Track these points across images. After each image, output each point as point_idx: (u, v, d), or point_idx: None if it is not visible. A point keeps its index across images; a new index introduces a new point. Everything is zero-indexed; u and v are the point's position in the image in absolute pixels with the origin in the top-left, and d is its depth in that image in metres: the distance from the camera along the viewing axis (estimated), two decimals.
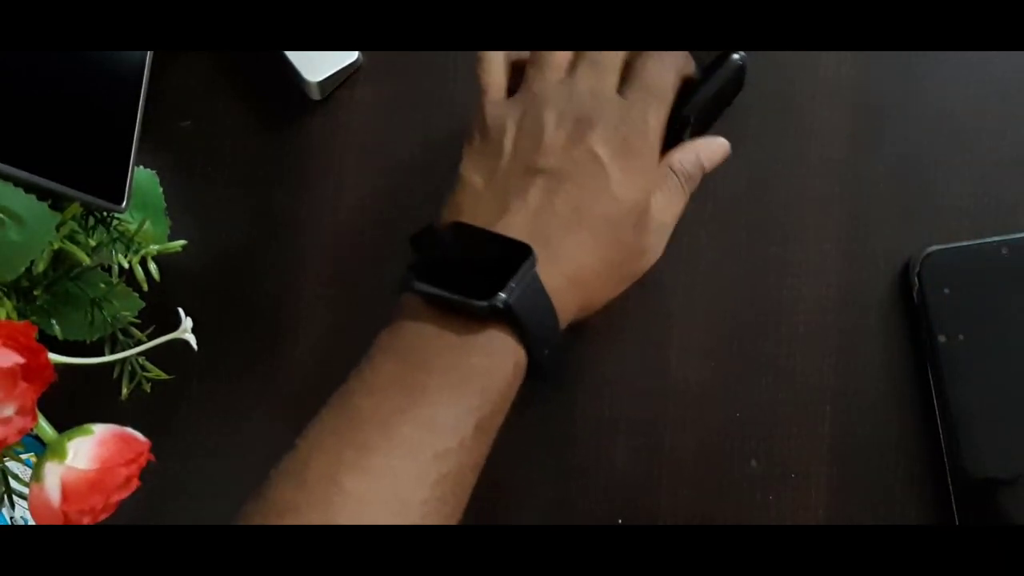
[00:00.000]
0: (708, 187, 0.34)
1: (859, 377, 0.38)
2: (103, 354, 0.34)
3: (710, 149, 0.33)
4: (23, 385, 0.26)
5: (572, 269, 0.30)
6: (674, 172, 0.32)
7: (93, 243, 0.34)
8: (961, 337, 0.36)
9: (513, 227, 0.30)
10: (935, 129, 0.39)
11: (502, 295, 0.28)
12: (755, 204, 0.39)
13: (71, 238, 0.33)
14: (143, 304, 0.36)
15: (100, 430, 0.29)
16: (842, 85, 0.39)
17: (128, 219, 0.36)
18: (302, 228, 0.41)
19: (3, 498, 0.32)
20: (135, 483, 0.28)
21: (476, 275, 0.29)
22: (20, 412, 0.27)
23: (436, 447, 0.27)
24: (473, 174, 0.32)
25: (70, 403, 0.31)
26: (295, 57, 0.40)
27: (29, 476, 0.29)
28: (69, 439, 0.28)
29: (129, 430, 0.29)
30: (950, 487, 0.36)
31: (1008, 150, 0.38)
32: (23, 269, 0.31)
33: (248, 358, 0.40)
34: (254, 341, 0.40)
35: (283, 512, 0.26)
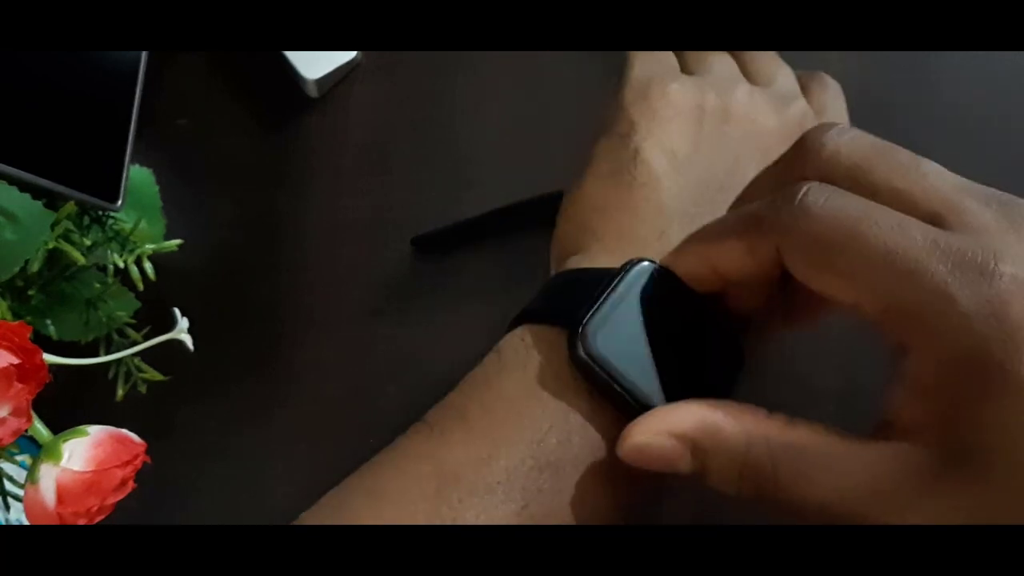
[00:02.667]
0: None
1: (861, 377, 0.37)
2: (98, 355, 0.34)
3: None
4: (18, 386, 0.26)
5: None
6: None
7: (88, 242, 0.34)
8: None
9: None
10: (939, 128, 0.39)
11: None
12: None
13: (66, 237, 0.33)
14: (139, 304, 0.36)
15: (95, 432, 0.28)
16: (845, 84, 0.39)
17: (123, 218, 0.36)
18: (299, 226, 0.41)
19: None
20: (131, 485, 0.28)
21: None
22: (15, 413, 0.27)
23: None
24: None
25: (65, 404, 0.31)
26: (293, 55, 0.40)
27: (24, 478, 0.29)
28: (64, 441, 0.28)
29: (125, 432, 0.29)
30: None
31: (1013, 149, 0.38)
32: (17, 269, 0.31)
33: (245, 359, 0.40)
34: (251, 341, 0.40)
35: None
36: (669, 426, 0.23)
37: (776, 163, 0.26)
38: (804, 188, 0.22)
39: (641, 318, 0.25)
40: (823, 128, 0.24)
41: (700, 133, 0.30)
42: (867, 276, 0.21)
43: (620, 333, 0.25)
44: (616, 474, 0.25)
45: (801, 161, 0.24)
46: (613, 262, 0.26)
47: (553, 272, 0.31)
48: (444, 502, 0.24)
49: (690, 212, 0.29)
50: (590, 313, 0.25)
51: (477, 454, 0.25)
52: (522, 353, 0.26)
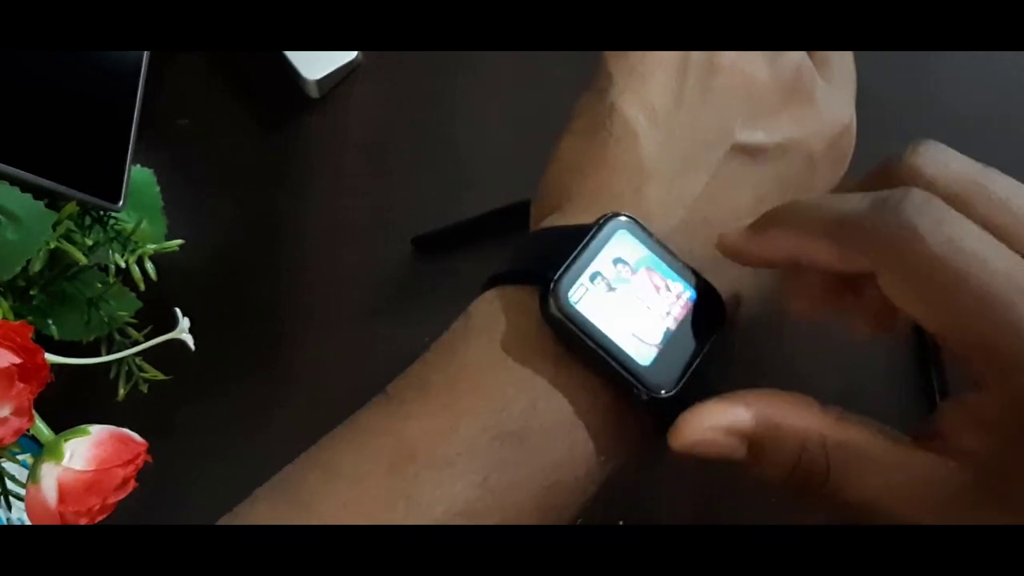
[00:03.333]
0: None
1: (862, 377, 0.38)
2: (100, 354, 0.34)
3: None
4: (19, 386, 0.26)
5: None
6: None
7: (89, 242, 0.34)
8: None
9: None
10: (939, 128, 0.38)
11: None
12: None
13: (67, 237, 0.33)
14: (140, 304, 0.36)
15: (97, 431, 0.28)
16: None
17: (125, 218, 0.36)
18: (300, 227, 0.41)
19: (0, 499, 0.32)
20: (132, 484, 0.28)
21: None
22: (16, 413, 0.27)
23: None
24: None
25: (66, 404, 0.31)
26: (293, 55, 0.40)
27: (26, 477, 0.29)
28: (66, 440, 0.28)
29: (126, 431, 0.29)
30: None
31: (1013, 149, 0.38)
32: (19, 269, 0.31)
33: (246, 358, 0.40)
34: (252, 341, 0.40)
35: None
36: (728, 423, 0.23)
37: (862, 183, 0.23)
38: (914, 203, 0.21)
39: (615, 274, 0.24)
40: (917, 150, 0.22)
41: (683, 86, 0.28)
42: (966, 315, 0.20)
43: (593, 289, 0.24)
44: (584, 444, 0.24)
45: (892, 186, 0.22)
46: (588, 219, 0.25)
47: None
48: (399, 477, 0.23)
49: (672, 169, 0.27)
50: (562, 269, 0.24)
51: (437, 426, 0.24)
52: (490, 317, 0.25)
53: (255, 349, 0.40)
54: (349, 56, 0.41)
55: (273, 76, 0.42)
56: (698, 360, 0.25)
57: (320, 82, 0.41)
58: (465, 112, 0.41)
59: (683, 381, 0.24)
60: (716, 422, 0.23)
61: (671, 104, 0.28)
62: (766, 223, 0.24)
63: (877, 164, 0.24)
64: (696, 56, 0.28)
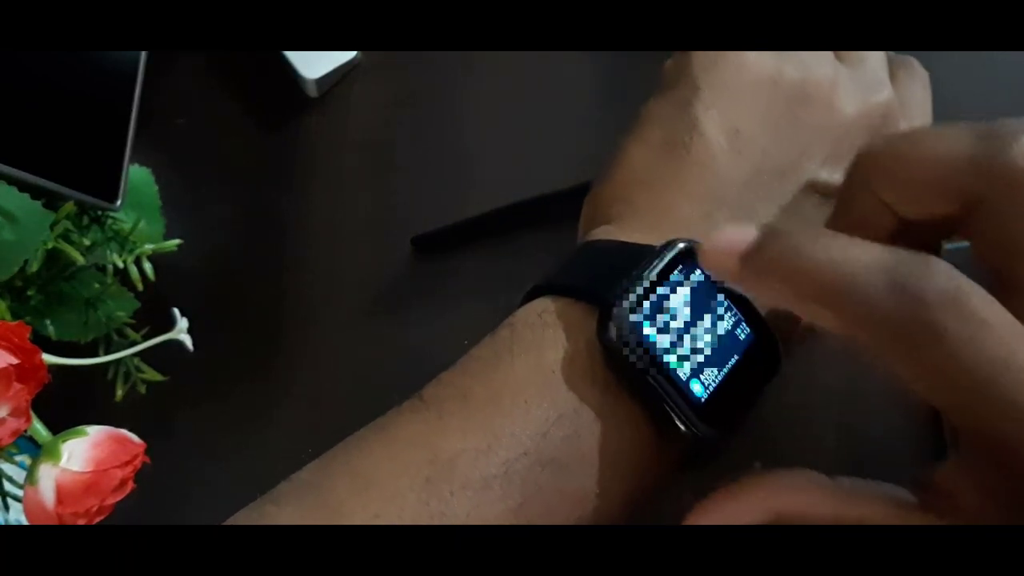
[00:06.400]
0: None
1: (864, 378, 0.37)
2: (97, 355, 0.34)
3: None
4: (17, 386, 0.26)
5: None
6: None
7: (87, 242, 0.34)
8: None
9: None
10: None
11: None
12: None
13: (65, 237, 0.33)
14: (138, 304, 0.36)
15: (94, 432, 0.28)
16: None
17: (122, 218, 0.36)
18: (299, 226, 0.41)
19: None
20: (130, 485, 0.28)
21: None
22: (14, 413, 0.27)
23: None
24: None
25: (64, 405, 0.31)
26: (293, 55, 0.40)
27: (23, 478, 0.28)
28: (63, 441, 0.28)
29: (124, 432, 0.29)
30: None
31: None
32: (16, 269, 0.30)
33: (244, 359, 0.40)
34: (250, 341, 0.40)
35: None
36: (738, 519, 0.23)
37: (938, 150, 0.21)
38: (938, 289, 0.19)
39: (679, 304, 0.23)
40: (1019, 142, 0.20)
41: (770, 112, 0.27)
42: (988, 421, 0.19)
43: (656, 318, 0.23)
44: (621, 479, 0.24)
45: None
46: (651, 239, 0.24)
47: (581, 238, 0.28)
48: (434, 494, 0.22)
49: (743, 197, 0.26)
50: (627, 292, 0.22)
51: (475, 444, 0.23)
52: (538, 332, 0.24)
53: (254, 349, 0.40)
54: (348, 55, 0.41)
55: (273, 76, 0.42)
56: (749, 406, 0.24)
57: (319, 81, 0.41)
58: (465, 112, 0.41)
59: (733, 427, 0.23)
60: (726, 519, 0.23)
61: (755, 129, 0.27)
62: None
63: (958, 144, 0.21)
64: (788, 79, 0.27)
